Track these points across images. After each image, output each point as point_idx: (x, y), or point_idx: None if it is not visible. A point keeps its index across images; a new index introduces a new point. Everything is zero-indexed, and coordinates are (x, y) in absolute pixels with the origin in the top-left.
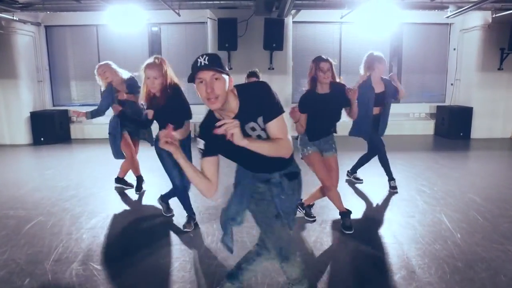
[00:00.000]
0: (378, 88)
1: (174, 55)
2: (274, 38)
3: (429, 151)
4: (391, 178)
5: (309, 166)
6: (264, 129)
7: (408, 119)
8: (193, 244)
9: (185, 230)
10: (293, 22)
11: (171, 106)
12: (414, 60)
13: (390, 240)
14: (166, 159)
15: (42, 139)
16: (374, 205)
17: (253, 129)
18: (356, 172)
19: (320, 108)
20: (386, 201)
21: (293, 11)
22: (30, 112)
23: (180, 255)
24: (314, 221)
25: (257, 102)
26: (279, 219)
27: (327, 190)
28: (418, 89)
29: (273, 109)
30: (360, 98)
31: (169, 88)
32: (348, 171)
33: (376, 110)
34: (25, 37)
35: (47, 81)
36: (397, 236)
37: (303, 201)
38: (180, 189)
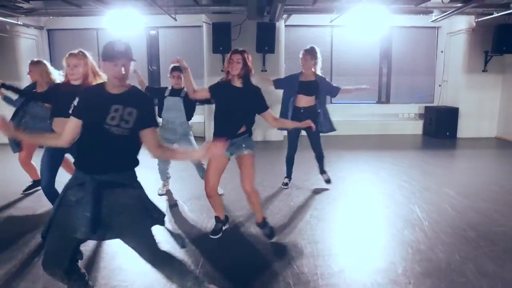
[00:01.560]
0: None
1: (171, 57)
2: (266, 42)
3: (417, 150)
4: (288, 176)
5: None
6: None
7: (398, 119)
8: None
9: None
10: (285, 25)
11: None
12: (404, 62)
13: (363, 228)
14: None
15: None
16: (353, 198)
17: (119, 116)
18: (290, 177)
19: (229, 99)
20: (366, 195)
21: (284, 16)
22: None
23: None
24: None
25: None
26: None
27: (207, 195)
28: (408, 90)
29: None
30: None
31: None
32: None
33: (304, 100)
34: (28, 41)
35: None
36: (370, 224)
37: (256, 221)
38: (46, 187)
